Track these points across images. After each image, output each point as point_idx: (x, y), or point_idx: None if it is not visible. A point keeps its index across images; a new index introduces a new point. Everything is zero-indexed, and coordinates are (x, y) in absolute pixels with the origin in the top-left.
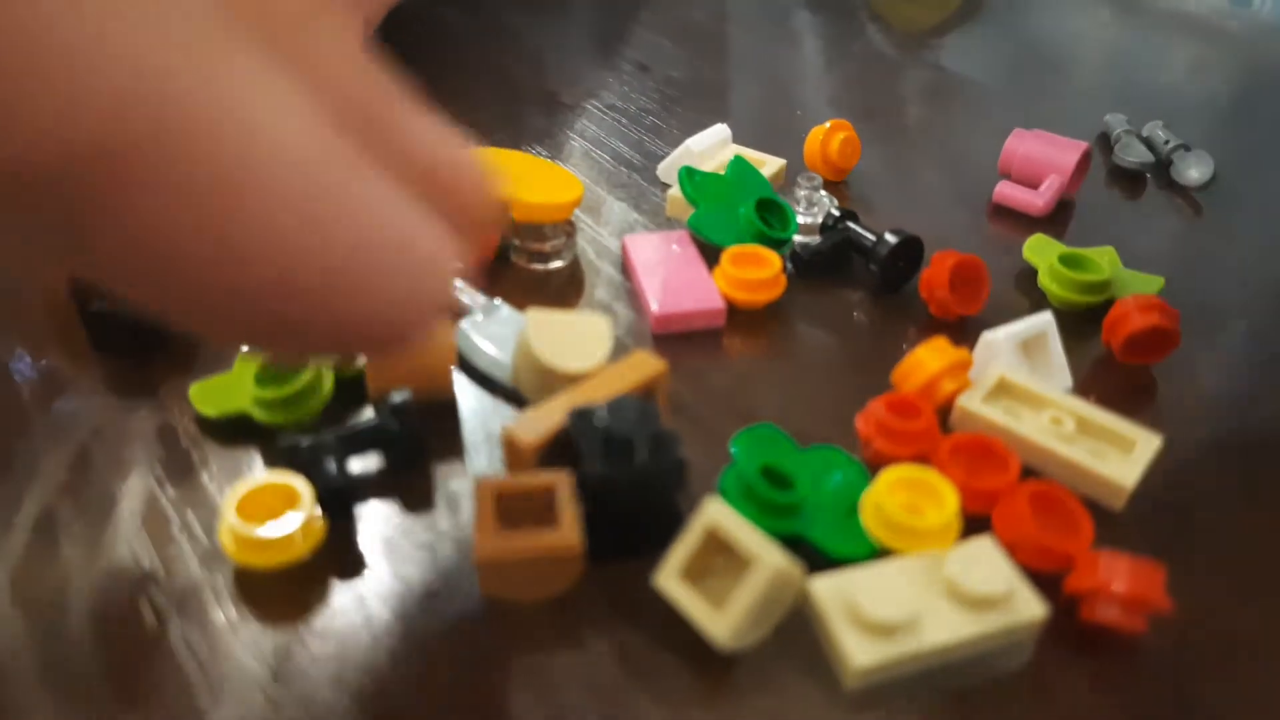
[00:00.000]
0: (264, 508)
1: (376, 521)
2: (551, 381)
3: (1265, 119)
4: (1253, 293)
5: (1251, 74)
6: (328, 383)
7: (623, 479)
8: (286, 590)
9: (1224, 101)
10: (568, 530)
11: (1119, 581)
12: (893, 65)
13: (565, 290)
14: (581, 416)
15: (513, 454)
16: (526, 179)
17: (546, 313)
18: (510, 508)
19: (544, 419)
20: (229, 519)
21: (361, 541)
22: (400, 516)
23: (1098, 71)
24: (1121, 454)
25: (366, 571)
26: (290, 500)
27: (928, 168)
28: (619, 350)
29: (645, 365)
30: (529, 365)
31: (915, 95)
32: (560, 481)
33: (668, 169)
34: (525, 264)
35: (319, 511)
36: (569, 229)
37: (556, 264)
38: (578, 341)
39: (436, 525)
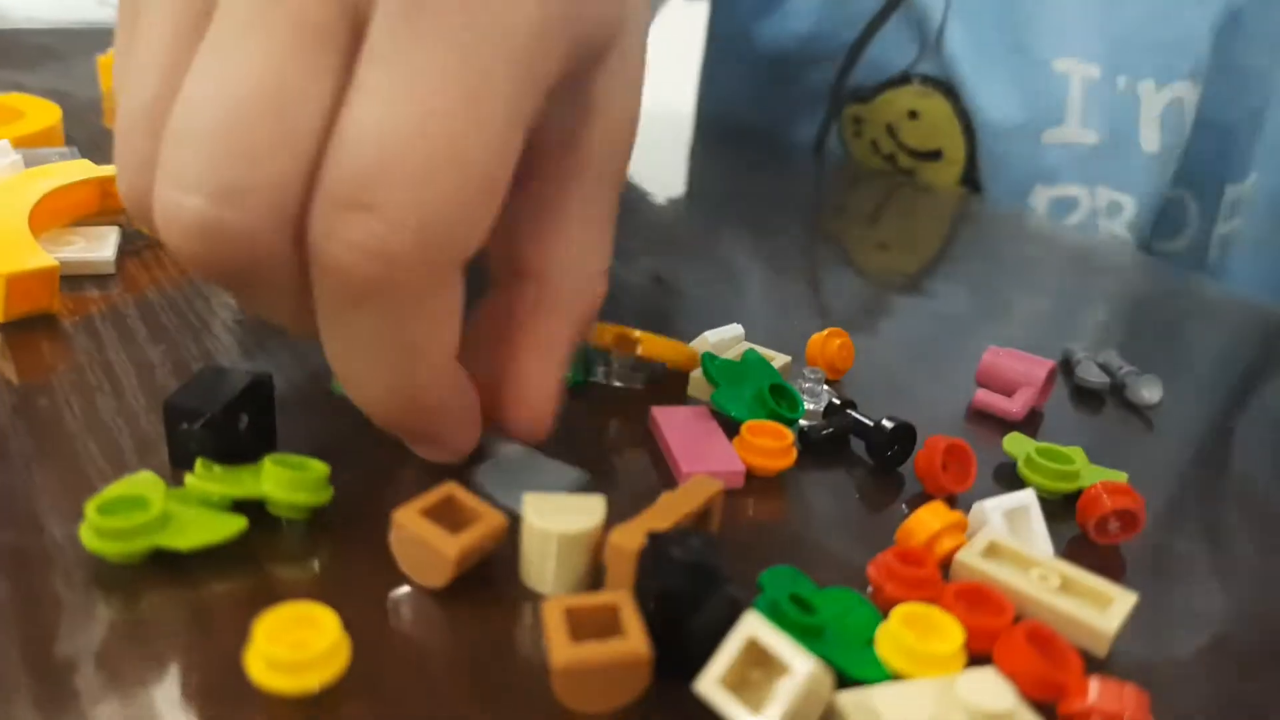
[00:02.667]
0: (287, 632)
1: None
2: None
3: (1201, 347)
4: (1202, 491)
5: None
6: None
7: (694, 601)
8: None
9: (1163, 332)
10: (637, 640)
11: (1109, 702)
12: (876, 290)
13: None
14: (655, 539)
15: (616, 560)
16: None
17: (541, 495)
18: (578, 623)
19: (639, 530)
20: (257, 644)
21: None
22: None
23: (1049, 305)
24: (1101, 608)
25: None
26: (314, 625)
27: (911, 374)
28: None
29: (705, 487)
30: (531, 540)
31: (895, 314)
32: (623, 600)
33: None
34: (607, 381)
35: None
36: (641, 366)
37: (639, 384)
38: (572, 512)
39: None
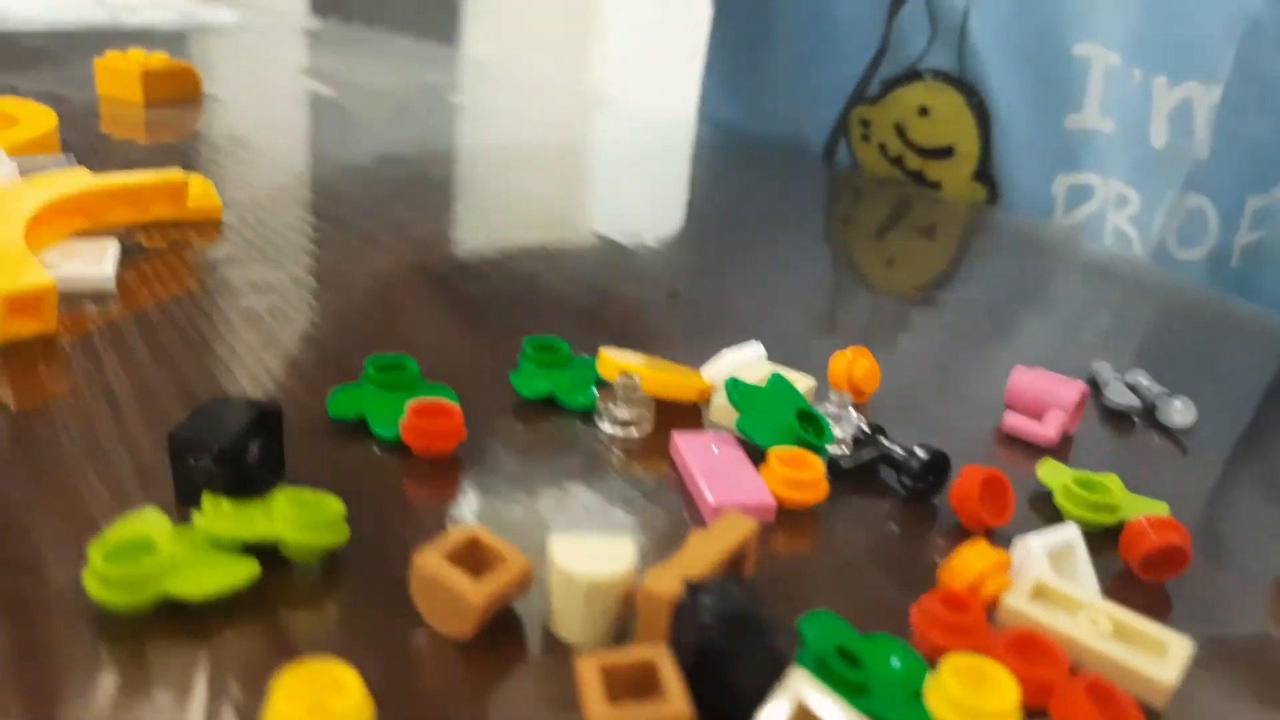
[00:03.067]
0: (307, 693)
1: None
2: (585, 598)
3: (1229, 364)
4: (1243, 520)
5: (1212, 327)
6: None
7: (736, 656)
8: None
9: (1189, 349)
10: (678, 700)
11: None
12: (893, 305)
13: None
14: (693, 588)
15: (650, 609)
16: (647, 365)
17: (569, 537)
18: (614, 681)
19: (673, 575)
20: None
21: None
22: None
23: (1071, 321)
24: (1156, 655)
25: None
26: (335, 686)
27: (935, 394)
28: (674, 536)
29: (738, 527)
30: (560, 587)
31: (913, 329)
32: (660, 655)
33: (707, 376)
34: (605, 428)
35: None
36: (651, 405)
37: (634, 434)
38: (600, 555)
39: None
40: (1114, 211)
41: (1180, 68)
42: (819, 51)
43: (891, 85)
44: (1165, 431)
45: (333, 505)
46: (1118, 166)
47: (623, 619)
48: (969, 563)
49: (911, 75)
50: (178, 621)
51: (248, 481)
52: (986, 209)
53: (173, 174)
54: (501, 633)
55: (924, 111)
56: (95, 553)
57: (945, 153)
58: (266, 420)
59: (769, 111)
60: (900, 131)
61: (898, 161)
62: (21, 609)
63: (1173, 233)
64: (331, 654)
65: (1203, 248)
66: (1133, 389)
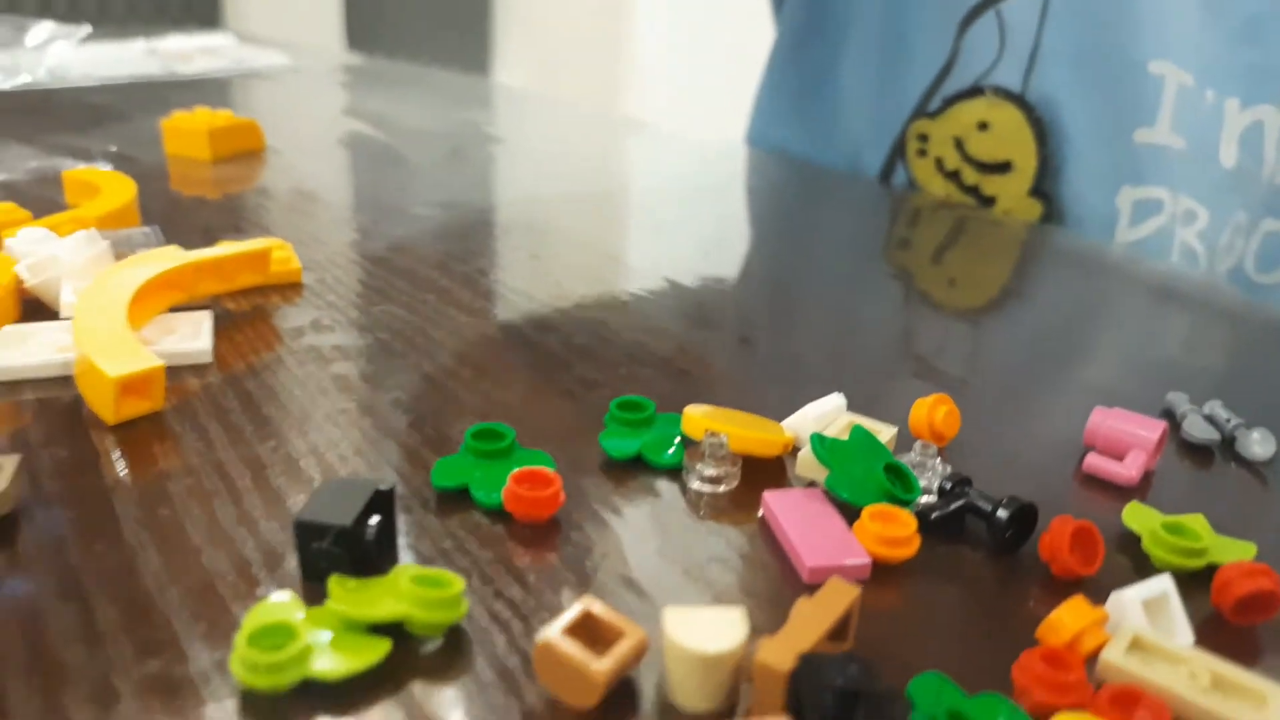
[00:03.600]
0: None
1: None
2: (701, 670)
3: None
4: None
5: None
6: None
7: None
8: None
9: (1265, 375)
10: None
11: None
12: (960, 337)
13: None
14: (810, 663)
15: (765, 681)
16: (732, 421)
17: (682, 610)
18: None
19: (789, 648)
20: None
21: None
22: None
23: (1141, 345)
24: (1256, 707)
25: None
26: None
27: (1013, 433)
28: (775, 597)
29: (843, 593)
30: (676, 660)
31: (985, 364)
32: None
33: (789, 428)
34: (695, 485)
35: None
36: (737, 461)
37: (723, 489)
38: (713, 626)
39: None
40: (1182, 227)
41: (1253, 90)
42: (886, 69)
43: (952, 100)
44: (1245, 464)
45: (454, 583)
46: (1187, 183)
47: (736, 687)
48: (1067, 620)
49: (973, 91)
50: (317, 699)
51: (368, 559)
52: (1044, 229)
53: (258, 243)
54: (620, 700)
55: (983, 126)
56: (240, 640)
57: (1003, 168)
58: (381, 498)
59: (828, 132)
60: (959, 145)
61: (954, 175)
62: (172, 690)
63: (1251, 256)
64: None
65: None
66: (1210, 420)
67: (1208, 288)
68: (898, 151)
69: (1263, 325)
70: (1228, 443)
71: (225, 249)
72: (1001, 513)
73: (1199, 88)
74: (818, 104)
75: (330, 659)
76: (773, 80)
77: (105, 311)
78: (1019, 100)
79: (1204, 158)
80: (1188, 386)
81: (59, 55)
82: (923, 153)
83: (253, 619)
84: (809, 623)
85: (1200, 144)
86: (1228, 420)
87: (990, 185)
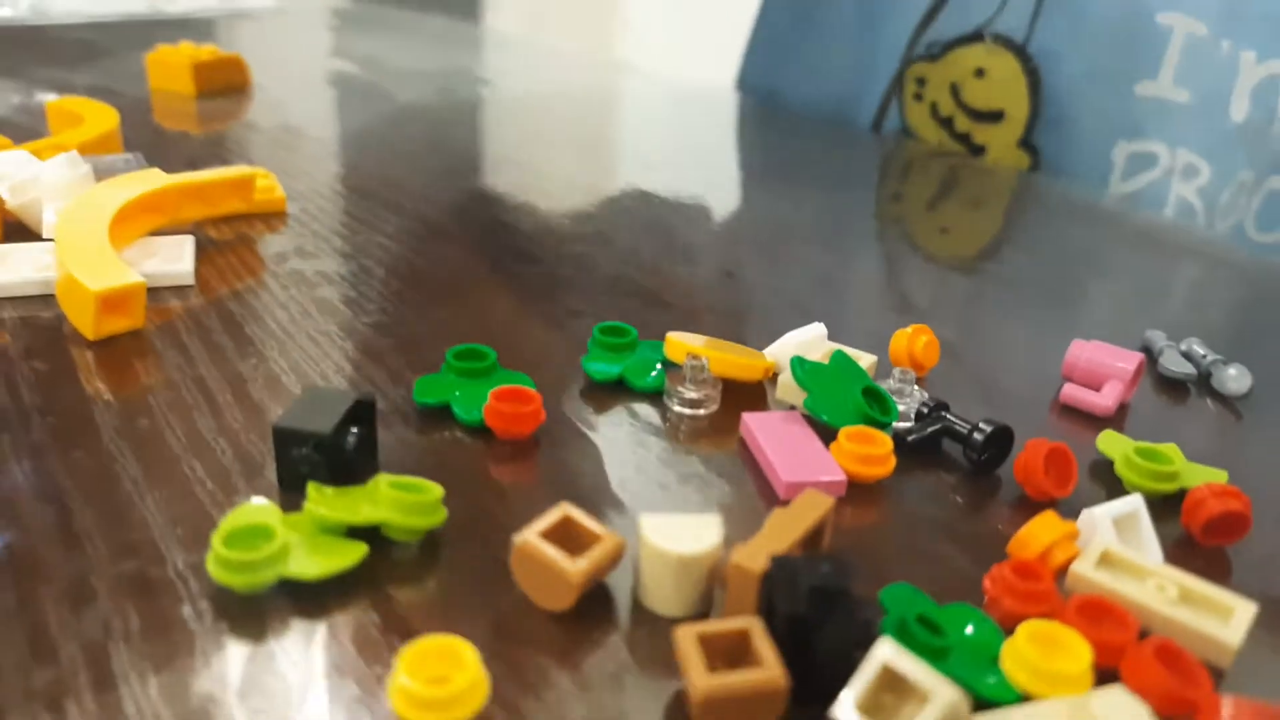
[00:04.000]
0: (429, 667)
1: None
2: (675, 572)
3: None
4: None
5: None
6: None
7: (827, 626)
8: None
9: (1250, 324)
10: (775, 668)
11: (1244, 718)
12: (947, 279)
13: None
14: (782, 562)
15: (739, 582)
16: (713, 346)
17: (658, 516)
18: (712, 650)
19: (762, 551)
20: (400, 679)
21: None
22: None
23: (1125, 292)
24: (1221, 618)
25: None
26: (455, 659)
27: (992, 366)
28: (751, 511)
29: (816, 504)
30: (651, 563)
31: (968, 302)
32: (754, 625)
33: (770, 355)
34: (675, 408)
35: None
36: (718, 385)
37: (703, 412)
38: (689, 531)
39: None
40: (1180, 182)
41: (1272, 42)
42: (880, 8)
43: (953, 44)
44: (1220, 399)
45: (432, 489)
46: (1189, 137)
47: (709, 592)
48: (1038, 533)
49: (974, 36)
50: (293, 599)
51: (348, 468)
52: (1035, 177)
53: (241, 170)
54: (594, 604)
55: (980, 73)
56: (217, 539)
57: (996, 116)
58: (362, 409)
59: (821, 75)
60: (955, 91)
61: (947, 122)
62: (148, 590)
63: (1252, 215)
64: (438, 626)
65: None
66: (1186, 356)
67: (1199, 237)
68: (893, 92)
69: (1256, 272)
70: (1204, 378)
71: (209, 174)
72: (977, 434)
73: (1214, 36)
74: (809, 46)
75: (306, 560)
76: (766, 22)
77: (87, 230)
78: (1019, 50)
79: (1213, 111)
80: (1170, 327)
81: None
82: (919, 96)
83: (230, 521)
84: (783, 529)
85: (1209, 97)
86: (1204, 356)
87: (981, 134)
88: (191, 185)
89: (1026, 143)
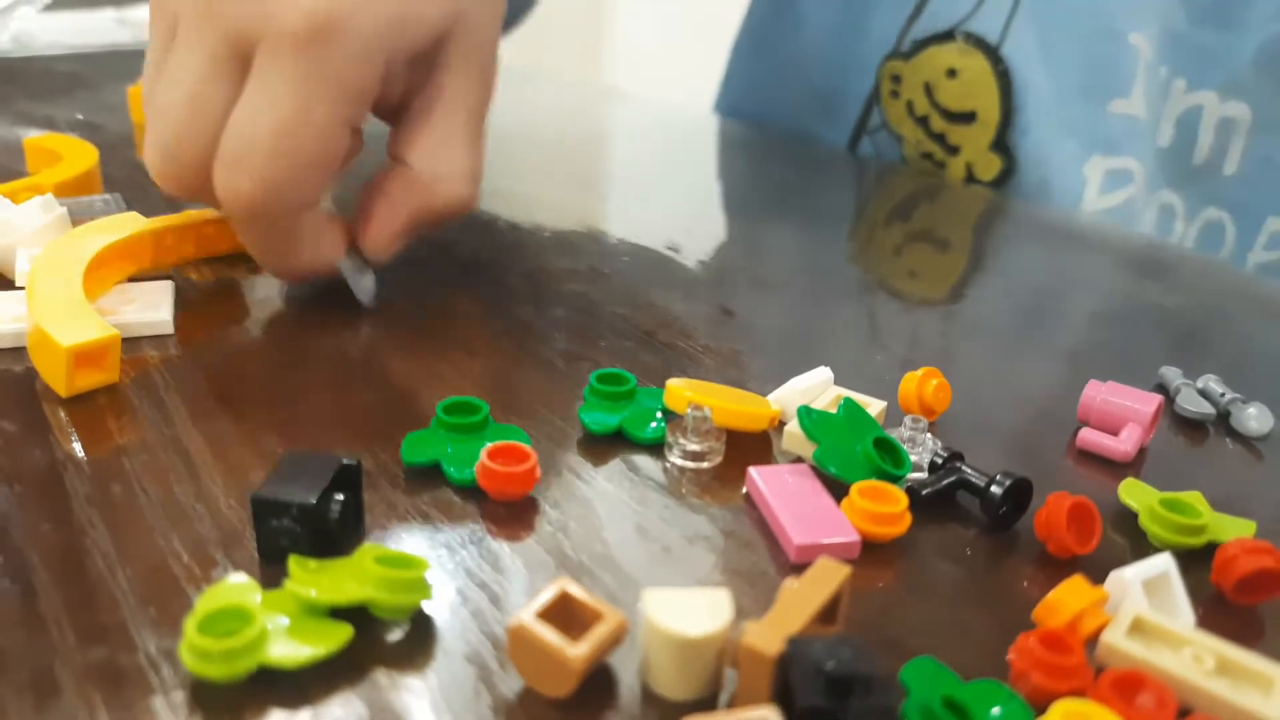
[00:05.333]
0: None
1: None
2: (683, 655)
3: None
4: None
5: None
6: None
7: (846, 715)
8: None
9: (1256, 350)
10: None
11: None
12: (943, 315)
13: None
14: (799, 647)
15: (752, 665)
16: (715, 394)
17: (663, 591)
18: None
19: (776, 631)
20: None
21: None
22: None
23: (1125, 320)
24: (1262, 691)
25: None
26: None
27: (1004, 409)
28: (762, 576)
29: (832, 574)
30: (657, 644)
31: (973, 339)
32: (770, 717)
33: (775, 401)
34: (677, 460)
35: None
36: (721, 436)
37: (706, 465)
38: (696, 609)
39: None
40: (1152, 197)
41: (1198, 74)
42: (857, 13)
43: (926, 43)
44: (1240, 439)
45: (418, 564)
46: (1146, 156)
47: (720, 673)
48: (1066, 600)
49: (946, 35)
50: (273, 689)
51: (331, 539)
52: (1013, 200)
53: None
54: (596, 687)
55: (952, 74)
56: (190, 626)
57: (968, 117)
58: (346, 475)
59: (800, 86)
60: (928, 91)
61: (923, 121)
62: (117, 680)
63: (1190, 239)
64: (429, 714)
65: (1216, 261)
66: (1204, 395)
67: (1183, 258)
68: (874, 97)
69: (1257, 301)
70: (1222, 417)
71: (187, 215)
72: (995, 488)
73: (1156, 62)
74: (787, 58)
75: (288, 645)
76: (740, 42)
77: (60, 279)
78: (991, 51)
79: (1151, 133)
80: (1175, 358)
81: (23, 21)
82: (895, 94)
83: (205, 602)
84: (797, 605)
85: (1151, 119)
86: (1222, 395)
87: (955, 135)
88: (167, 228)
89: (1000, 145)
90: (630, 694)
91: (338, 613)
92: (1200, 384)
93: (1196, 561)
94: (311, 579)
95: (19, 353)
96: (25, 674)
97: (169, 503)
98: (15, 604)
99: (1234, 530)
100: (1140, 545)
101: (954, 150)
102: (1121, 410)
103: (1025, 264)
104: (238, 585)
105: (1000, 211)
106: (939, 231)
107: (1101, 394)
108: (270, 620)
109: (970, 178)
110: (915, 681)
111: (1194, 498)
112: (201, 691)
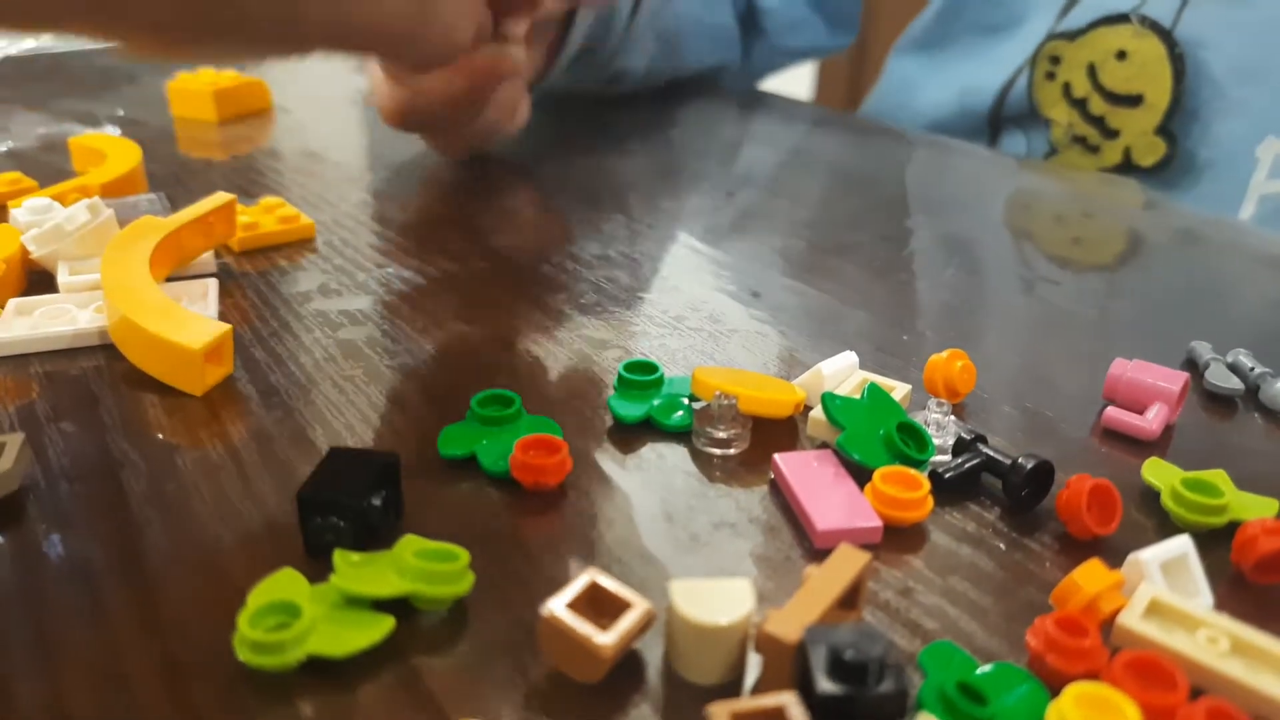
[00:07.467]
0: None
1: None
2: (707, 642)
3: None
4: None
5: None
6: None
7: (858, 703)
8: None
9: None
10: None
11: None
12: (970, 292)
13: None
14: (816, 635)
15: (772, 652)
16: (742, 381)
17: (688, 582)
18: None
19: (796, 619)
20: None
21: None
22: None
23: (1165, 299)
24: (1275, 672)
25: None
26: None
27: (1029, 388)
28: (786, 563)
29: (852, 561)
30: (683, 633)
31: (998, 317)
32: (790, 703)
33: (800, 386)
34: (704, 447)
35: None
36: (747, 423)
37: (733, 451)
38: (720, 598)
39: None
40: None
41: None
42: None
43: (1096, 24)
44: (1269, 414)
45: (459, 555)
46: None
47: (743, 659)
48: (1083, 583)
49: (1119, 17)
50: (321, 676)
51: (373, 533)
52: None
53: (217, 197)
54: (625, 672)
55: (1122, 55)
56: (243, 620)
57: (1135, 100)
58: (387, 471)
59: (950, 70)
60: (1092, 73)
61: (1080, 103)
62: (176, 672)
63: None
64: (467, 702)
65: None
66: (1233, 369)
67: (1230, 234)
68: (1021, 71)
69: None
70: (1251, 391)
71: (196, 207)
72: (1017, 472)
73: None
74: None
75: (333, 636)
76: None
77: (140, 284)
78: (1165, 34)
79: None
80: (1207, 333)
81: None
82: (1051, 75)
83: (255, 597)
84: (818, 592)
85: None
86: (1252, 369)
87: (1116, 118)
88: (184, 224)
89: (1165, 130)
90: (658, 680)
91: (380, 604)
92: (1230, 358)
93: (1218, 541)
94: (355, 572)
95: (74, 355)
96: (90, 667)
97: (220, 501)
98: (81, 600)
99: (1256, 509)
100: (1164, 525)
101: (1113, 134)
102: (1148, 388)
103: (1078, 241)
104: (285, 580)
105: (1024, 185)
106: (973, 208)
107: (1128, 372)
108: (317, 612)
109: (1127, 162)
110: (933, 664)
111: (1217, 476)
112: (254, 681)
